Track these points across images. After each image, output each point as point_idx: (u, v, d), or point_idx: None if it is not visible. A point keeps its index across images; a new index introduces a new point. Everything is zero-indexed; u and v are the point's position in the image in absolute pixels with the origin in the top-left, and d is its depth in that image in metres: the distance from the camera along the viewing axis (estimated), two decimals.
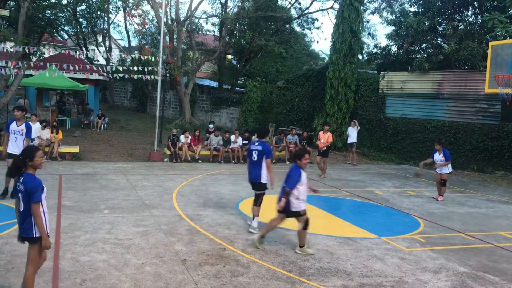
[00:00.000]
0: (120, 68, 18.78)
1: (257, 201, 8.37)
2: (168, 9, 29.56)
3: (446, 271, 6.71)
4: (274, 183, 8.40)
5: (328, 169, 15.64)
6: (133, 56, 21.98)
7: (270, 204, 8.08)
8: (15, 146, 9.51)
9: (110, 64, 28.93)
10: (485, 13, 20.19)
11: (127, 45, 42.03)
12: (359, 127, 19.18)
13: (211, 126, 18.74)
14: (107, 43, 37.19)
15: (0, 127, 15.30)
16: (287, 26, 35.94)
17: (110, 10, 36.78)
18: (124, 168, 14.61)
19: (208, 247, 7.14)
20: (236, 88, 35.44)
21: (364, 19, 26.40)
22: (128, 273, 5.90)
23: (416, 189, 13.87)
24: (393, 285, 6.06)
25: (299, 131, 20.13)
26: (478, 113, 18.65)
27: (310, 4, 49.53)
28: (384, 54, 25.07)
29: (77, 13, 34.01)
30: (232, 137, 17.76)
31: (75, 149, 16.33)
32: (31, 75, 22.35)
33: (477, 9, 22.15)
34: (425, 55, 21.09)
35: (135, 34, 37.45)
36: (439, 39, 22.67)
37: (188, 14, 29.71)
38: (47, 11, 20.80)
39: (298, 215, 7.14)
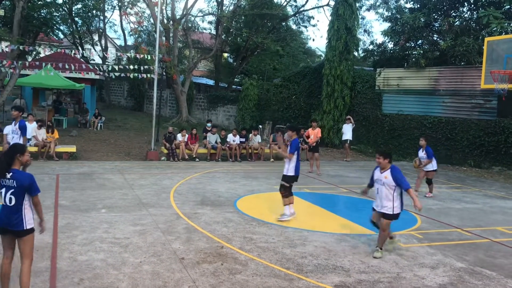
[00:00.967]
0: (117, 67, 18.78)
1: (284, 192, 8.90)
2: (164, 8, 29.53)
3: (443, 267, 6.74)
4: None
5: (325, 166, 15.67)
6: (129, 55, 21.95)
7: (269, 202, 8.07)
8: None
9: (106, 63, 28.91)
10: (480, 9, 20.23)
11: (123, 44, 41.94)
12: (354, 124, 19.20)
13: (208, 124, 18.73)
14: (103, 42, 37.10)
15: None
16: (283, 24, 35.94)
17: (106, 9, 36.69)
18: (121, 167, 14.59)
19: (205, 245, 7.15)
20: (233, 86, 35.44)
21: (360, 16, 26.48)
22: (126, 272, 5.90)
23: (413, 185, 13.89)
24: (391, 281, 6.08)
25: None
26: (475, 109, 18.70)
27: (306, 2, 49.61)
28: (380, 50, 25.09)
29: (73, 12, 33.88)
30: (230, 136, 17.75)
31: (72, 148, 16.29)
32: (27, 75, 22.28)
33: (472, 5, 22.19)
34: (421, 52, 21.09)
35: (131, 32, 37.45)
36: (435, 35, 22.71)
37: (184, 12, 29.67)
38: (42, 11, 20.77)
39: (395, 218, 7.01)
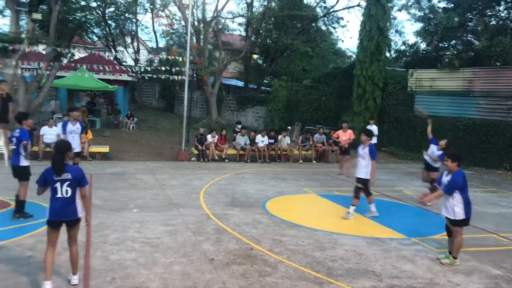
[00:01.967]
0: (148, 69, 19.04)
1: (364, 193, 9.51)
2: (194, 10, 29.80)
3: (478, 273, 6.55)
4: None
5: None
6: (160, 57, 22.23)
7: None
8: (73, 144, 9.49)
9: (139, 65, 29.37)
10: None
11: (154, 46, 42.56)
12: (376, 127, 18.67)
13: (239, 126, 18.77)
14: (135, 44, 37.73)
15: (34, 127, 15.69)
16: (313, 24, 35.72)
17: (138, 11, 37.31)
18: (152, 167, 14.80)
19: (235, 246, 7.16)
20: (262, 88, 35.44)
21: (391, 16, 26.03)
22: (157, 272, 5.96)
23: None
24: (424, 287, 5.95)
25: (326, 130, 19.99)
26: (510, 110, 18.15)
27: (337, 2, 49.24)
28: (412, 51, 24.66)
29: (106, 15, 34.58)
30: (259, 137, 17.77)
31: (105, 149, 16.63)
32: (63, 77, 22.86)
33: (509, 4, 21.55)
34: (455, 52, 20.64)
35: (162, 35, 37.89)
36: (469, 36, 22.16)
37: (215, 14, 29.87)
38: (77, 14, 21.26)
39: (463, 224, 6.83)
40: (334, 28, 36.70)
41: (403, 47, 26.69)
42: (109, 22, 35.95)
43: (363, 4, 27.60)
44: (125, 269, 6.00)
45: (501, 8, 22.24)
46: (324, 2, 33.91)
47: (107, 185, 11.47)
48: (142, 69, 19.58)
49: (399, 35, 34.52)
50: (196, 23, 29.31)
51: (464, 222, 6.78)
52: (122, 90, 27.55)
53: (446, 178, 6.85)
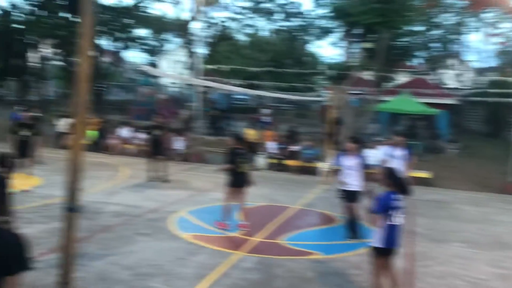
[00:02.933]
0: (474, 91, 17.77)
1: None
2: None
3: None
4: None
5: None
6: (491, 78, 20.48)
7: None
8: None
9: (462, 87, 27.86)
10: None
11: (481, 66, 39.58)
12: None
13: None
14: (458, 65, 35.94)
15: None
16: None
17: (464, 31, 35.44)
18: (475, 198, 13.66)
19: None
20: None
21: None
22: None
23: None
24: None
25: None
26: None
27: None
28: None
29: (430, 38, 34.15)
30: None
31: (426, 174, 16.28)
32: (386, 101, 23.65)
33: None
34: None
35: (494, 54, 35.00)
36: None
37: None
38: (403, 39, 21.79)
39: None
40: None
41: None
42: (432, 44, 35.40)
43: None
44: None
45: None
46: None
47: (427, 212, 11.09)
48: (466, 92, 18.38)
49: None
50: None
51: None
52: (444, 114, 26.55)
53: None
